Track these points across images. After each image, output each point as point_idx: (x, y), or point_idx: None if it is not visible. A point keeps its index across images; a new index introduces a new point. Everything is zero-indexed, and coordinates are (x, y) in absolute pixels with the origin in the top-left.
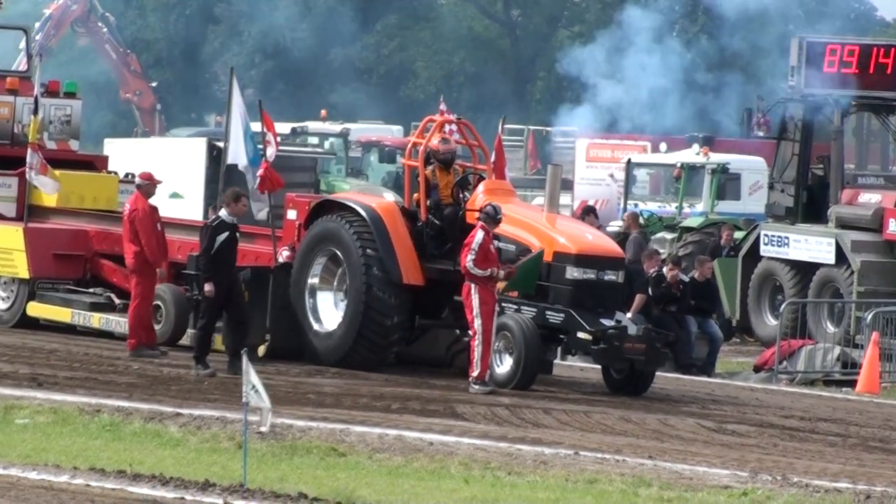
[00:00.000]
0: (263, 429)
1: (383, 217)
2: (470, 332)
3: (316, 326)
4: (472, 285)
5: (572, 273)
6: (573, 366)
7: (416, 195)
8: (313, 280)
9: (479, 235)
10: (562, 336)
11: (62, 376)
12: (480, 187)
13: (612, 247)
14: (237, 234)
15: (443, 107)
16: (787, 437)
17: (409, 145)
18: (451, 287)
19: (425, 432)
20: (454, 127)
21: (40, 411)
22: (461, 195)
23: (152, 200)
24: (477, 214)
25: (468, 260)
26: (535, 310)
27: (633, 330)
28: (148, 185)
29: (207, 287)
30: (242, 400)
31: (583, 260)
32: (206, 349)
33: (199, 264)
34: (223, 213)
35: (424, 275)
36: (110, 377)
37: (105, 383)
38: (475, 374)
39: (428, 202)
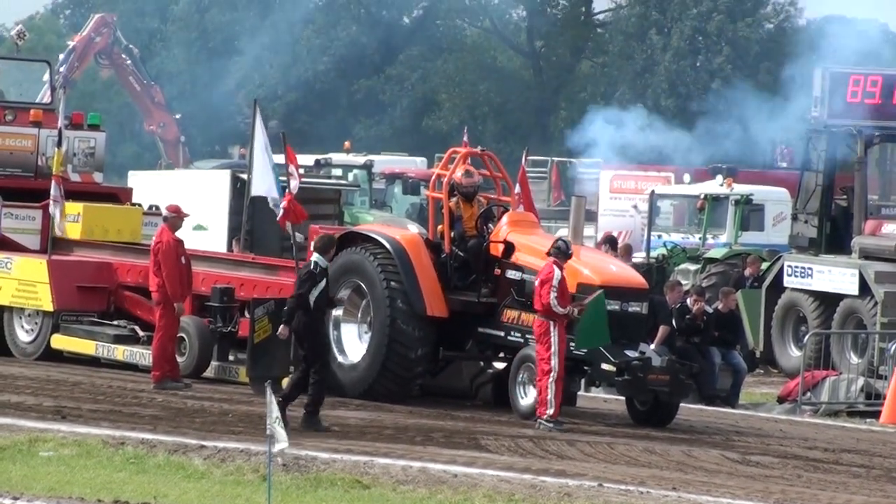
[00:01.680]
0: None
1: (407, 249)
2: (540, 369)
3: (340, 358)
4: (552, 322)
5: None
6: (596, 397)
7: (440, 227)
8: (337, 312)
9: (556, 272)
10: (586, 367)
11: (86, 409)
12: (504, 219)
13: (636, 278)
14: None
15: (466, 139)
16: (811, 469)
17: (434, 177)
18: (475, 319)
19: (449, 464)
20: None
21: (64, 444)
22: (485, 227)
23: (177, 233)
24: (548, 250)
25: (552, 297)
26: (570, 342)
27: (657, 361)
28: (174, 217)
29: (283, 329)
30: (266, 432)
31: (607, 291)
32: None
33: (291, 299)
34: (319, 258)
35: (448, 306)
36: (134, 409)
37: (129, 415)
38: (550, 412)
39: (452, 234)
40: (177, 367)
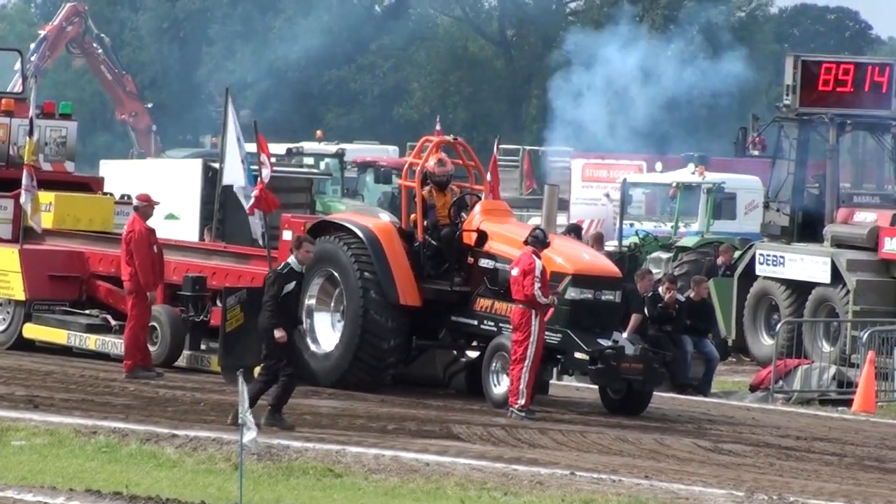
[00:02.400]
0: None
1: (380, 238)
2: (514, 357)
3: (313, 347)
4: (533, 311)
5: (569, 293)
6: (569, 385)
7: (413, 216)
8: (310, 301)
9: (538, 263)
10: (559, 356)
11: (58, 398)
12: (477, 207)
13: (610, 266)
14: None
15: (438, 127)
16: (783, 457)
17: (406, 166)
18: (448, 308)
19: (421, 453)
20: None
21: (36, 433)
22: (458, 216)
23: (148, 222)
24: (525, 239)
25: (536, 288)
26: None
27: (630, 350)
28: (146, 206)
29: (278, 333)
30: (238, 421)
31: (580, 280)
32: (286, 400)
33: (264, 312)
34: (292, 260)
35: (422, 295)
36: (106, 399)
37: (101, 405)
38: (521, 401)
39: (425, 223)
40: (149, 356)
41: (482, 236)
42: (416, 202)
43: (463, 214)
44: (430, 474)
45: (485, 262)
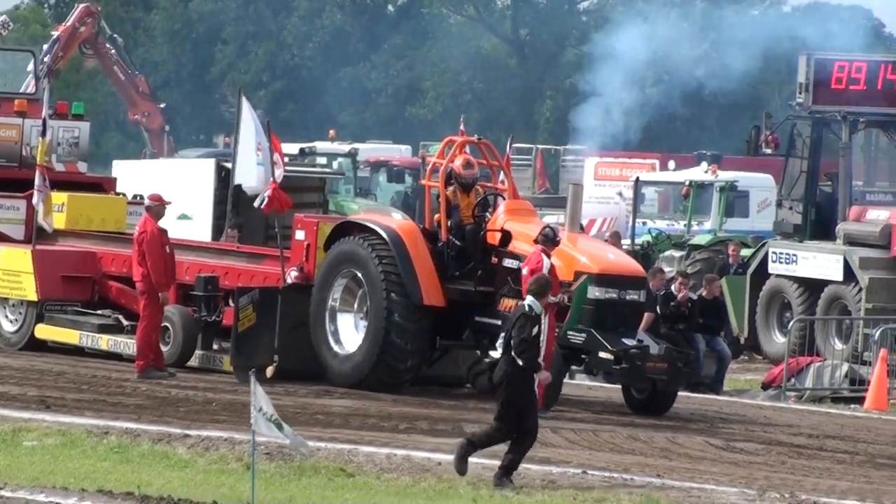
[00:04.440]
0: (307, 455)
1: (404, 238)
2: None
3: (336, 348)
4: None
5: (594, 292)
6: (581, 384)
7: (436, 216)
8: (333, 302)
9: (546, 261)
10: (583, 356)
11: (70, 398)
12: (501, 207)
13: (634, 266)
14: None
15: (462, 127)
16: (796, 455)
17: (430, 166)
18: (472, 308)
19: (434, 452)
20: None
21: (48, 433)
22: (482, 216)
23: (161, 222)
24: (535, 237)
25: None
26: (556, 330)
27: (654, 349)
28: (158, 206)
29: (543, 375)
30: (250, 422)
31: (604, 279)
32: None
33: (521, 354)
34: (534, 302)
35: (446, 296)
36: (118, 399)
37: (113, 405)
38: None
39: (449, 223)
40: (161, 356)
41: (506, 236)
42: (441, 202)
43: (487, 214)
44: (443, 473)
45: (508, 262)
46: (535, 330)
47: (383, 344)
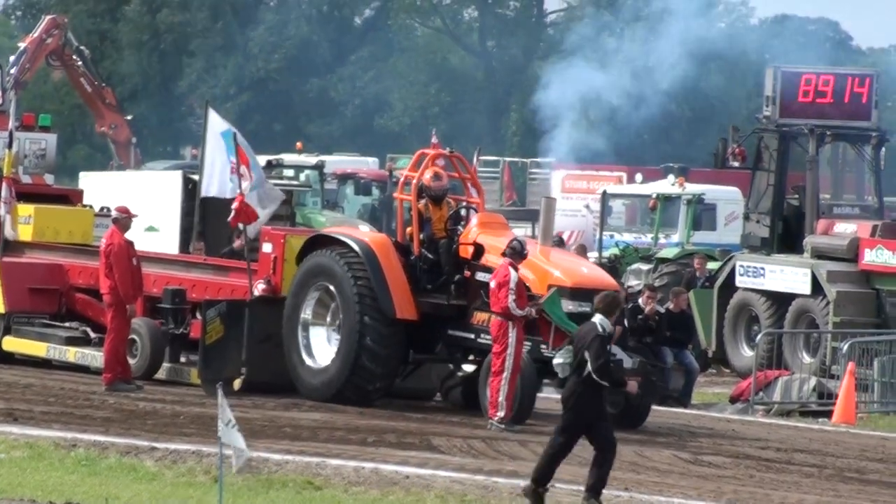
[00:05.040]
0: (234, 469)
1: (376, 251)
2: (493, 369)
3: (308, 362)
4: (510, 323)
5: (567, 306)
6: (549, 397)
7: (409, 229)
8: (306, 315)
9: (513, 274)
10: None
11: (38, 411)
12: (474, 220)
13: (608, 279)
14: None
15: (434, 140)
16: (764, 469)
17: (402, 179)
18: (445, 321)
19: (401, 465)
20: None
21: (16, 446)
22: (454, 229)
23: (128, 234)
24: (503, 250)
25: (511, 300)
26: (530, 343)
27: (628, 363)
28: (125, 218)
29: (632, 383)
30: (217, 434)
31: (578, 293)
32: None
33: (604, 375)
34: (604, 321)
35: (418, 309)
36: (86, 411)
37: (81, 418)
38: (501, 414)
39: (421, 236)
40: (128, 368)
41: (479, 249)
42: (413, 215)
43: (459, 228)
44: (411, 487)
45: (481, 276)
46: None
47: (356, 357)
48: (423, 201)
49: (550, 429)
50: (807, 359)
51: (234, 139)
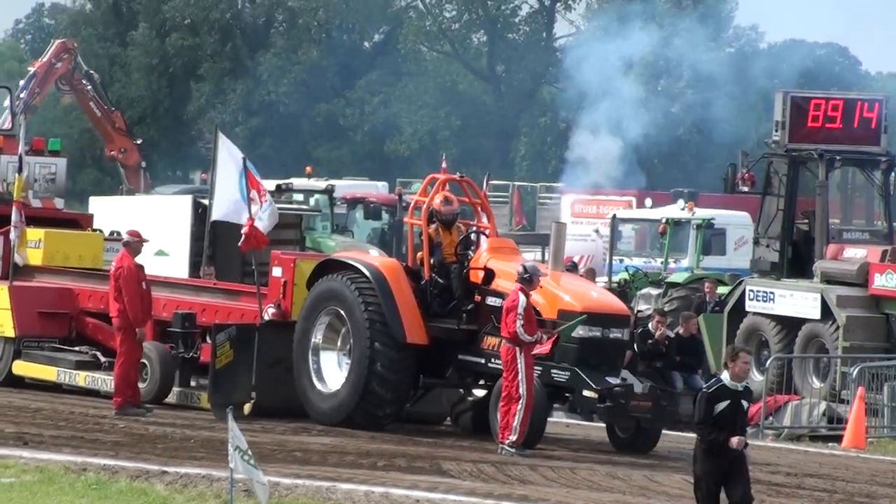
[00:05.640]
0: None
1: (387, 276)
2: (506, 395)
3: (319, 386)
4: (518, 349)
5: (578, 331)
6: (559, 422)
7: (419, 254)
8: (316, 340)
9: (521, 299)
10: (567, 394)
11: (48, 435)
12: (484, 245)
13: (618, 304)
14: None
15: (444, 165)
16: (774, 493)
17: (412, 204)
18: (456, 346)
19: (412, 489)
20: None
21: (26, 470)
22: (465, 253)
23: (138, 259)
24: (515, 277)
25: (519, 325)
26: (540, 368)
27: (639, 388)
28: (136, 242)
29: (735, 440)
30: (228, 458)
31: (588, 318)
32: None
33: (698, 433)
34: (725, 376)
35: (429, 334)
36: (96, 435)
37: (91, 441)
38: (513, 438)
39: (431, 261)
40: (138, 392)
41: (489, 274)
42: (423, 240)
43: (469, 252)
44: None
45: (492, 300)
46: (718, 408)
47: (367, 382)
48: (433, 226)
49: (560, 453)
50: (817, 383)
51: (243, 164)
